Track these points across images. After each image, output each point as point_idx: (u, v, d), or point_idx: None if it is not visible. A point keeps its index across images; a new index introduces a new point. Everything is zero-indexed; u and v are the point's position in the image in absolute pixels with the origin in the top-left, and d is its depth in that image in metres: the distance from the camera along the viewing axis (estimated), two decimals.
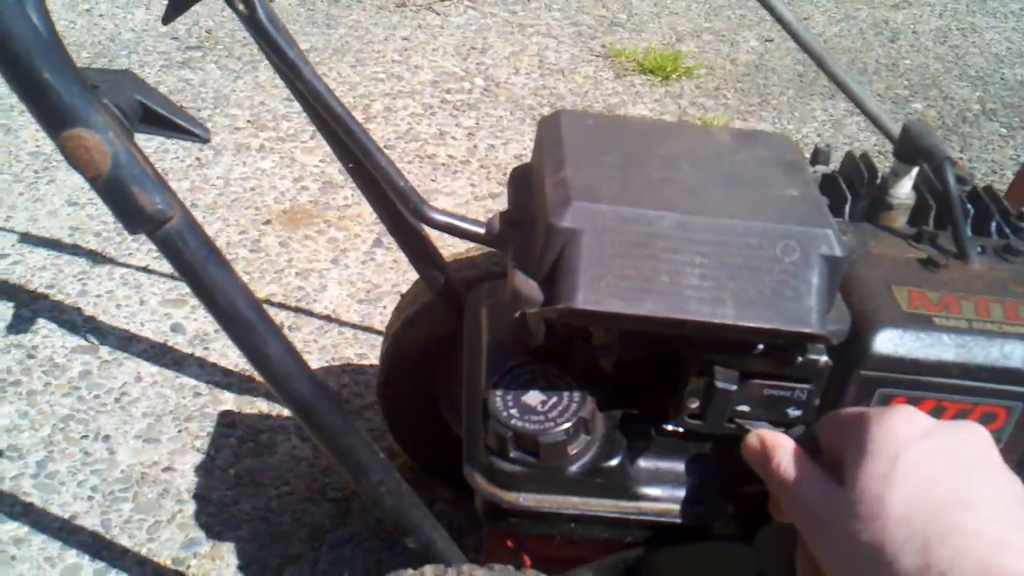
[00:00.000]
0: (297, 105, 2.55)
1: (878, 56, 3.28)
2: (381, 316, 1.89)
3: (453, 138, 2.52)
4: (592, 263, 0.73)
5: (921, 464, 0.65)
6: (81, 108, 0.65)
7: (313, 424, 0.83)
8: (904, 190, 0.95)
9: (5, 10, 0.61)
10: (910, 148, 0.92)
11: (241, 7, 0.89)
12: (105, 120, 0.66)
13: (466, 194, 2.29)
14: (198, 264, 0.73)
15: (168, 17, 0.89)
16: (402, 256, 2.00)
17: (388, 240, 2.07)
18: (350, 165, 1.07)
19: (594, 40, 3.17)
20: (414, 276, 1.93)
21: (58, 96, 0.64)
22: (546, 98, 2.76)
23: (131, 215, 0.69)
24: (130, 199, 0.68)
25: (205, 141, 0.78)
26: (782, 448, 0.77)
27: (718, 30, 3.36)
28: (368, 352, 1.80)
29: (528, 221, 0.83)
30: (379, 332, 1.84)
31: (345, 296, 1.94)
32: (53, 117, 0.65)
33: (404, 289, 1.89)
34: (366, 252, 2.06)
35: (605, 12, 3.39)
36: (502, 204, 2.22)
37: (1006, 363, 0.80)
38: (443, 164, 2.40)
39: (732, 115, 2.80)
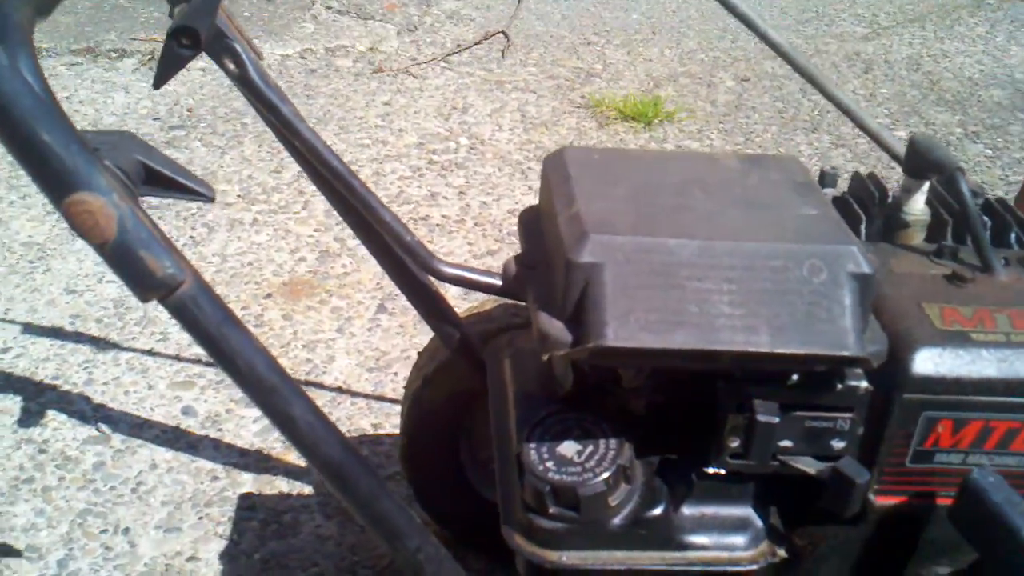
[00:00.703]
0: (286, 176, 2.56)
1: (855, 87, 3.31)
2: (392, 383, 1.86)
3: (444, 198, 2.52)
4: (617, 297, 0.72)
5: None
6: (83, 171, 0.63)
7: (345, 489, 0.81)
8: (918, 206, 0.94)
9: (0, 72, 0.60)
10: (919, 162, 0.92)
11: (232, 67, 0.88)
12: (108, 182, 0.64)
13: (464, 253, 2.28)
14: (214, 328, 0.71)
15: (159, 81, 0.89)
16: (408, 320, 2.01)
17: (391, 305, 2.06)
18: (352, 220, 1.06)
19: (573, 91, 3.19)
20: (422, 341, 1.94)
21: (59, 160, 0.62)
22: (532, 152, 2.77)
23: (142, 281, 0.67)
24: (139, 264, 0.66)
25: (211, 200, 0.76)
26: None
27: (694, 73, 3.38)
28: (383, 421, 1.77)
29: (544, 262, 0.82)
30: (392, 400, 1.82)
31: (354, 366, 1.92)
32: (55, 182, 0.63)
33: (413, 354, 1.88)
34: (371, 319, 2.04)
35: (580, 64, 3.41)
36: (500, 260, 2.22)
37: None
38: (438, 225, 2.40)
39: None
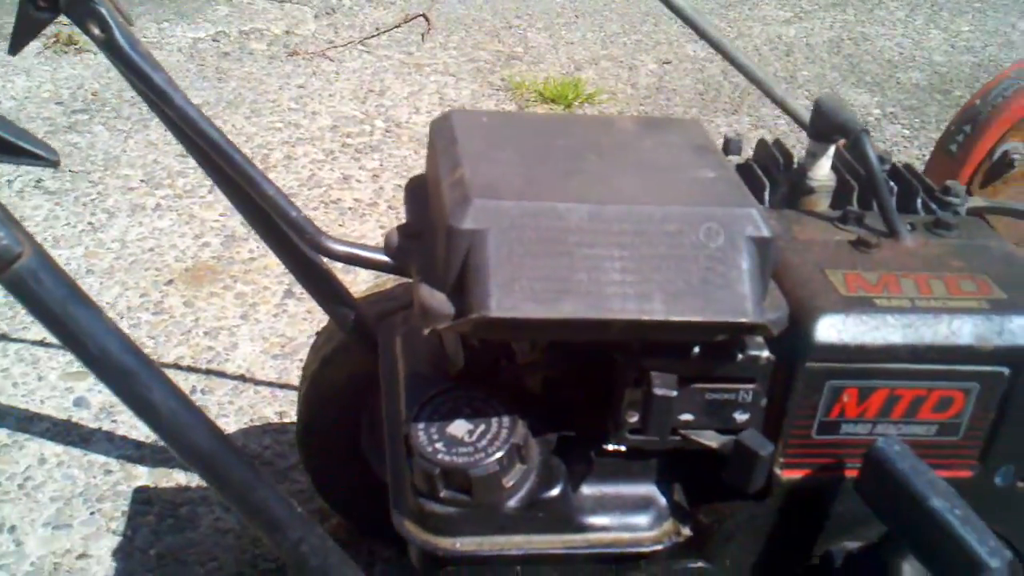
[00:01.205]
0: (192, 161, 2.46)
1: (776, 70, 3.31)
2: (298, 370, 1.79)
3: (358, 181, 2.45)
4: (502, 265, 0.66)
5: None
6: None
7: (217, 479, 0.75)
8: (823, 171, 0.91)
9: None
10: (824, 124, 0.88)
11: (96, 31, 0.82)
12: None
13: (375, 237, 2.21)
14: (57, 306, 0.65)
15: (15, 47, 0.82)
16: (315, 305, 1.93)
17: (299, 290, 1.99)
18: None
19: (493, 74, 3.14)
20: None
21: None
22: None
23: None
24: None
25: (54, 165, 0.70)
26: None
27: (615, 56, 3.35)
28: (288, 409, 1.71)
29: (429, 231, 0.77)
30: (297, 388, 1.75)
31: (259, 352, 1.84)
32: None
33: None
34: (277, 304, 1.97)
35: (501, 47, 3.36)
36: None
37: (956, 340, 0.76)
38: (349, 208, 2.33)
39: None
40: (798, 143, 2.73)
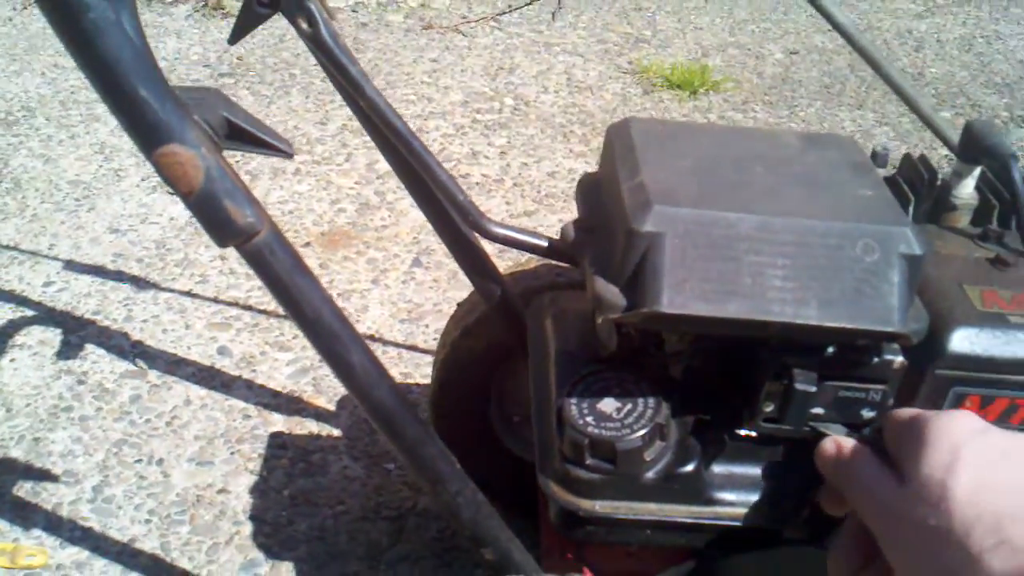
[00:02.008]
0: (331, 128, 2.59)
1: (904, 66, 3.28)
2: (423, 335, 1.89)
3: (486, 157, 2.53)
4: (675, 266, 0.73)
5: (982, 454, 0.66)
6: (175, 124, 0.65)
7: (393, 433, 0.84)
8: (967, 190, 0.95)
9: (104, 26, 0.62)
10: (973, 147, 0.92)
11: (304, 25, 0.89)
12: (198, 136, 0.67)
13: (501, 212, 2.29)
14: (285, 275, 0.74)
15: (235, 37, 0.90)
16: (442, 275, 2.04)
17: (427, 260, 2.08)
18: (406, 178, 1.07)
19: (620, 57, 3.18)
20: (455, 295, 1.96)
21: (153, 113, 0.64)
22: (575, 115, 2.77)
23: (222, 229, 0.70)
24: (222, 213, 0.69)
25: (289, 156, 0.78)
26: (855, 453, 0.76)
27: (743, 44, 3.37)
28: (413, 371, 1.80)
29: (602, 228, 0.84)
30: (422, 351, 1.85)
31: (387, 316, 1.94)
32: (148, 134, 0.65)
33: (445, 308, 1.91)
34: (405, 272, 2.07)
35: (630, 29, 3.40)
36: (537, 221, 2.24)
37: None
38: (477, 183, 2.41)
39: (762, 127, 2.80)
40: (920, 143, 2.73)
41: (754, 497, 0.89)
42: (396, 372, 1.80)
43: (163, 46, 2.97)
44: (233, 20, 0.92)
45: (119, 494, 1.51)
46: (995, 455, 0.66)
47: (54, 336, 1.83)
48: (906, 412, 0.75)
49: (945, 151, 2.63)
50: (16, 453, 1.58)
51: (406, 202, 2.26)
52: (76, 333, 1.84)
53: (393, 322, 1.93)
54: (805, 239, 0.74)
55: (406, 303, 1.99)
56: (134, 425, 1.64)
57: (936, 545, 0.64)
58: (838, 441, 0.78)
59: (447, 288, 2.02)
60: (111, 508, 1.49)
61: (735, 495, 0.88)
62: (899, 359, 0.81)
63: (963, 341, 0.80)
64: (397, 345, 1.87)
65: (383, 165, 2.40)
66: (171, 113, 0.65)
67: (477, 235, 1.09)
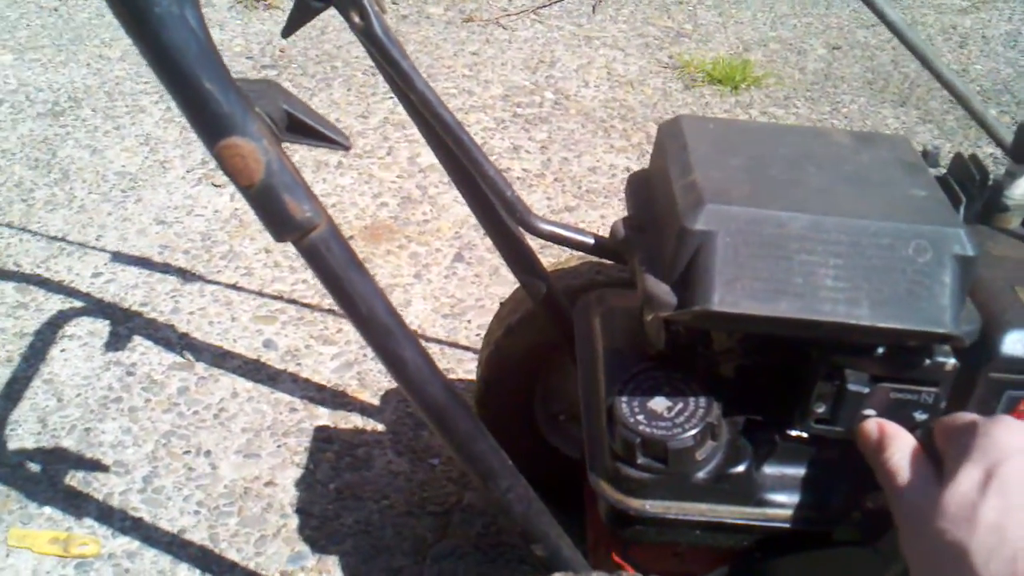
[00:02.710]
0: (373, 121, 2.59)
1: (948, 61, 3.25)
2: (466, 331, 1.90)
3: (527, 151, 2.53)
4: (726, 265, 0.74)
5: (1018, 476, 0.66)
6: (239, 117, 0.66)
7: (445, 429, 0.85)
8: (1020, 191, 0.94)
9: (169, 20, 0.63)
10: None
11: (357, 19, 0.90)
12: (260, 129, 0.68)
13: (542, 207, 2.30)
14: (341, 271, 0.75)
15: (288, 30, 0.92)
16: (484, 271, 2.05)
17: (469, 255, 2.09)
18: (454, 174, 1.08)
19: (661, 51, 3.17)
20: (497, 291, 1.97)
21: (218, 105, 0.65)
22: (616, 110, 2.77)
23: (280, 223, 0.71)
24: (281, 207, 0.70)
25: (347, 149, 0.79)
26: (898, 439, 0.77)
27: (785, 39, 3.34)
28: (456, 367, 1.81)
29: (653, 226, 0.84)
30: (464, 347, 1.86)
31: (430, 311, 1.96)
32: (212, 126, 0.66)
33: (487, 304, 1.91)
34: (448, 267, 2.08)
35: (671, 23, 3.39)
36: (578, 217, 2.24)
37: None
38: (518, 178, 2.42)
39: (804, 124, 2.78)
40: (965, 140, 2.70)
41: (805, 499, 0.89)
42: (439, 367, 1.81)
43: None
44: (275, 11, 0.93)
45: (168, 485, 1.54)
46: None
47: (103, 327, 1.86)
48: (955, 415, 0.75)
49: (991, 149, 2.60)
50: (68, 443, 1.61)
51: (448, 196, 2.27)
52: (124, 324, 1.87)
53: (436, 317, 1.94)
54: (857, 239, 0.74)
55: (448, 298, 2.00)
56: (182, 417, 1.67)
57: (952, 562, 0.65)
58: (881, 424, 0.79)
59: (489, 283, 2.03)
60: (161, 499, 1.51)
61: (785, 496, 0.89)
62: (951, 361, 0.80)
63: (1016, 344, 0.80)
64: (439, 341, 1.89)
65: (425, 159, 2.41)
66: (234, 105, 0.66)
67: (523, 232, 1.10)
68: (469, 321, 1.93)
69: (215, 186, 2.31)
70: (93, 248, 2.09)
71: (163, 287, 1.98)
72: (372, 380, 1.76)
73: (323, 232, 0.72)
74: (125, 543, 1.43)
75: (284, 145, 0.73)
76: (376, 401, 1.72)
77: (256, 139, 0.67)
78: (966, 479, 0.67)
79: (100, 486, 1.53)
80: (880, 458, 0.76)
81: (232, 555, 1.43)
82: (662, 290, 0.76)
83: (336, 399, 1.72)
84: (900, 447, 0.76)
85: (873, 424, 0.79)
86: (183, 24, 0.62)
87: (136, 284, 1.99)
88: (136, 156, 2.43)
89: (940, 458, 0.74)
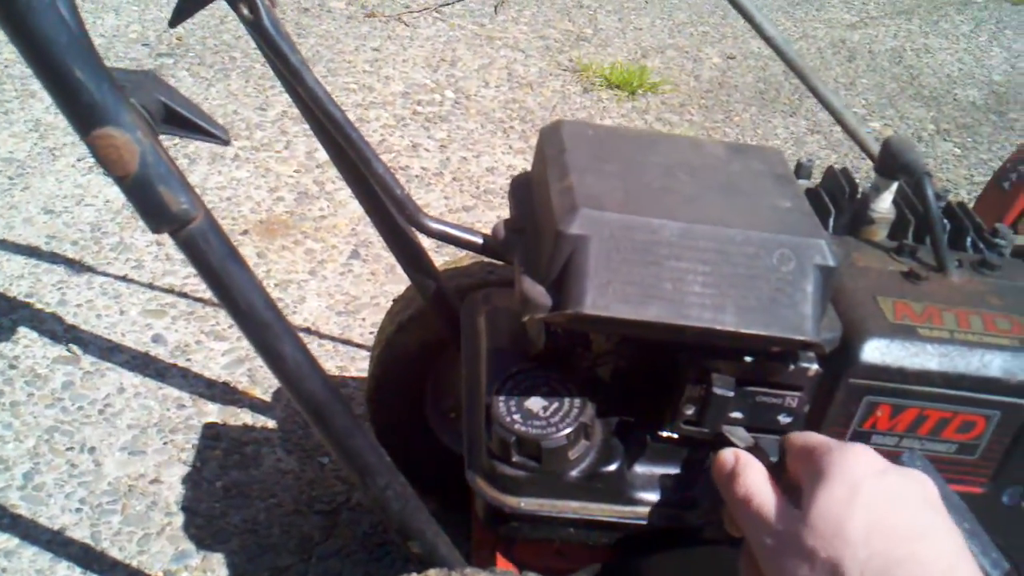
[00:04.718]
0: (271, 114, 2.58)
1: (836, 75, 3.36)
2: (360, 328, 1.90)
3: (426, 150, 2.54)
4: (599, 269, 0.76)
5: (879, 496, 0.71)
6: (111, 107, 0.66)
7: (323, 424, 0.85)
8: (884, 204, 0.99)
9: (37, 7, 0.62)
10: (891, 163, 0.96)
11: (246, 12, 0.90)
12: (133, 119, 0.67)
13: (440, 206, 2.31)
14: (218, 264, 0.75)
15: (175, 20, 0.91)
16: (380, 268, 2.05)
17: (365, 252, 2.09)
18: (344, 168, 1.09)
19: (561, 54, 3.21)
20: (392, 288, 1.98)
21: (89, 95, 0.65)
22: (515, 111, 2.80)
23: (156, 215, 0.71)
24: (156, 198, 0.70)
25: (226, 143, 0.79)
26: (751, 467, 0.80)
27: (682, 46, 3.42)
28: (348, 364, 1.82)
29: (532, 228, 0.86)
30: (359, 345, 1.86)
31: (324, 308, 1.95)
32: (84, 116, 0.66)
33: (382, 301, 1.92)
34: (343, 264, 2.08)
35: (571, 27, 3.43)
36: (475, 217, 2.26)
37: (986, 372, 0.85)
38: (416, 176, 2.43)
39: (697, 131, 2.85)
40: (850, 152, 2.80)
41: (674, 497, 0.92)
42: (332, 365, 1.81)
43: (101, 23, 2.93)
44: None
45: (50, 482, 1.51)
46: (890, 497, 0.70)
47: None
48: (807, 437, 0.79)
49: (872, 162, 2.70)
50: None
51: (345, 193, 2.27)
52: (8, 316, 1.83)
53: (330, 314, 1.94)
54: (724, 247, 0.77)
55: (343, 295, 2.00)
56: (66, 412, 1.63)
57: None
58: (738, 455, 0.81)
59: (385, 281, 2.04)
60: (41, 496, 1.48)
61: (656, 495, 0.91)
62: (814, 367, 0.84)
63: (875, 351, 0.84)
64: (333, 338, 1.89)
65: (323, 154, 2.39)
66: (107, 95, 0.66)
67: (414, 230, 1.11)
68: (363, 319, 1.94)
69: (106, 176, 2.26)
70: None
71: (49, 278, 1.94)
72: (263, 377, 1.75)
73: (200, 224, 0.72)
74: (3, 541, 1.40)
75: (164, 139, 0.73)
76: (267, 398, 1.71)
77: (130, 129, 0.67)
78: (831, 497, 0.71)
79: None
80: (733, 485, 0.78)
81: (114, 553, 1.41)
82: (538, 292, 0.78)
83: (226, 396, 1.71)
84: (752, 473, 0.79)
85: (729, 454, 0.82)
86: (52, 12, 0.62)
87: (21, 275, 1.94)
88: (24, 142, 2.37)
89: (792, 483, 0.77)
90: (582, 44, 3.31)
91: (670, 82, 3.12)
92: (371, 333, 1.86)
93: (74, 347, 1.77)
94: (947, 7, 4.11)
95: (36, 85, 2.57)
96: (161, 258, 2.02)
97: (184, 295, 1.93)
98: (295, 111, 2.55)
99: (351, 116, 2.62)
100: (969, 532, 0.76)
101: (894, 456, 0.85)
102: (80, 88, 0.65)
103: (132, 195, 0.70)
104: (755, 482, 0.77)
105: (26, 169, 2.27)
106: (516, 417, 0.87)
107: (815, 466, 0.74)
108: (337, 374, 1.79)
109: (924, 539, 0.68)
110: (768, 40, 1.14)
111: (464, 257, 1.31)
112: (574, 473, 0.89)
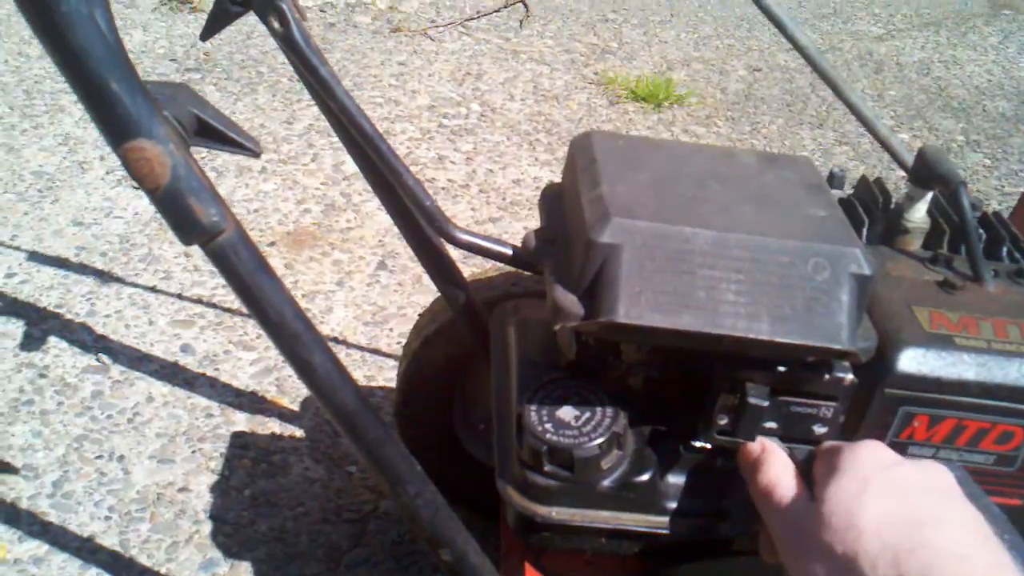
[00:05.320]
0: (298, 127, 2.59)
1: (864, 87, 3.35)
2: (387, 338, 1.91)
3: (452, 162, 2.55)
4: (632, 278, 0.76)
5: (890, 487, 0.71)
6: (145, 120, 0.66)
7: (355, 434, 0.85)
8: (919, 214, 0.98)
9: (77, 20, 0.63)
10: (925, 173, 0.96)
11: (276, 25, 0.91)
12: (166, 132, 0.68)
13: (466, 218, 2.32)
14: (248, 276, 0.75)
15: (206, 34, 0.92)
16: (407, 279, 2.06)
17: (392, 263, 2.10)
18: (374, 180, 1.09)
19: (587, 67, 3.21)
20: (419, 299, 1.98)
21: (124, 107, 0.65)
22: (541, 124, 2.80)
23: (186, 227, 0.71)
24: (187, 211, 0.70)
25: (257, 155, 0.79)
26: (776, 459, 0.80)
27: (707, 59, 3.41)
28: (376, 374, 1.82)
29: (563, 238, 0.86)
30: (386, 354, 1.86)
31: (351, 318, 1.96)
32: (118, 128, 0.66)
33: (409, 312, 1.92)
34: (371, 275, 2.08)
35: (596, 40, 3.44)
36: (502, 228, 2.26)
37: (1023, 382, 0.83)
38: (443, 188, 2.43)
39: (724, 143, 2.84)
40: (878, 164, 2.79)
41: (706, 508, 0.91)
42: (360, 375, 1.82)
43: (129, 39, 2.96)
44: (200, 14, 0.93)
45: (79, 490, 1.52)
46: (902, 488, 0.71)
47: (15, 328, 1.83)
48: (832, 443, 0.79)
49: (903, 172, 2.68)
50: None
51: (372, 204, 2.28)
52: (38, 326, 1.84)
53: (357, 324, 1.95)
54: (758, 256, 0.77)
55: (371, 305, 2.00)
56: (95, 421, 1.64)
57: (842, 570, 0.68)
58: (764, 443, 0.82)
59: (412, 292, 2.04)
60: (71, 504, 1.49)
61: (689, 505, 0.91)
62: (849, 376, 0.83)
63: (910, 361, 0.83)
64: (361, 348, 1.89)
65: (349, 166, 2.42)
66: (141, 108, 0.66)
67: (443, 241, 1.11)
68: (391, 329, 1.94)
69: (135, 188, 2.28)
70: (8, 248, 2.05)
71: (79, 289, 1.95)
72: (291, 386, 1.75)
73: (230, 236, 0.72)
74: (32, 548, 1.41)
75: (194, 150, 0.73)
76: (295, 407, 1.72)
77: (162, 142, 0.67)
78: (843, 492, 0.71)
79: (8, 490, 1.50)
80: (756, 475, 0.79)
81: (143, 561, 1.41)
82: (570, 301, 0.78)
83: (254, 405, 1.72)
84: (776, 464, 0.79)
85: (757, 444, 0.82)
86: (90, 24, 0.62)
87: (52, 286, 1.95)
88: (54, 156, 2.39)
89: (815, 482, 0.77)
90: (607, 57, 3.31)
91: (696, 94, 3.12)
92: (399, 343, 1.86)
93: (104, 357, 1.78)
94: (975, 19, 4.09)
95: (66, 100, 2.60)
96: (189, 269, 2.03)
97: (212, 305, 1.94)
98: (322, 124, 2.57)
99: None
100: (1009, 544, 0.75)
101: None
102: (115, 100, 0.65)
103: (163, 207, 0.70)
104: (779, 474, 0.78)
105: (56, 182, 2.29)
106: (548, 426, 0.87)
107: (830, 464, 0.75)
108: (365, 383, 1.79)
109: (936, 526, 0.68)
110: (801, 50, 1.14)
111: (489, 269, 1.31)
112: (606, 483, 0.88)
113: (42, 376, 1.72)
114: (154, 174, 0.68)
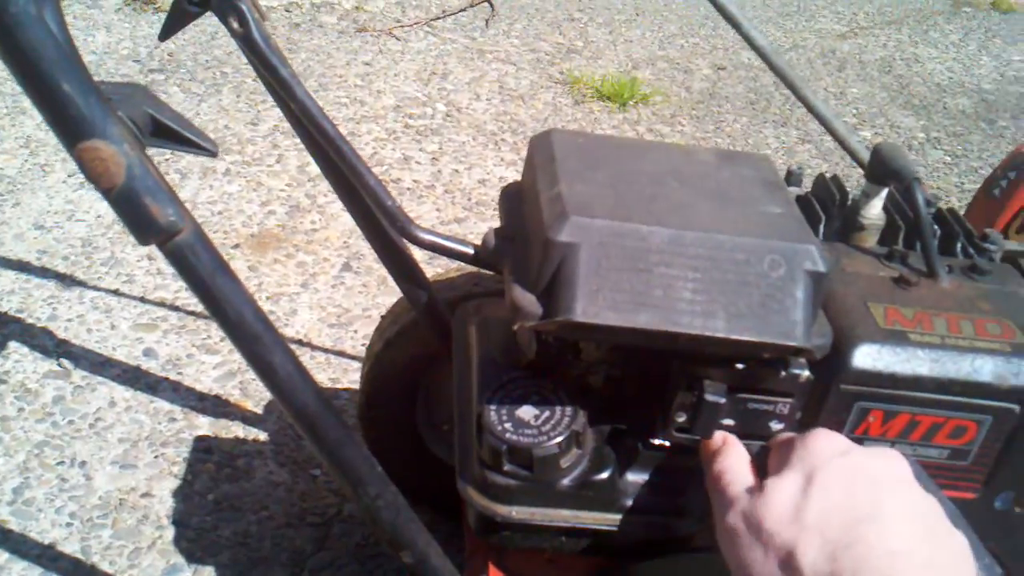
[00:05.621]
0: (262, 129, 2.58)
1: (827, 85, 3.37)
2: (352, 340, 1.90)
3: (417, 163, 2.54)
4: (589, 277, 0.76)
5: (836, 479, 0.71)
6: (99, 120, 0.66)
7: (315, 435, 0.85)
8: (875, 211, 0.99)
9: (26, 21, 0.62)
10: (881, 169, 0.96)
11: (235, 26, 0.90)
12: (121, 132, 0.67)
13: (432, 218, 2.31)
14: (207, 276, 0.74)
15: (165, 34, 0.91)
16: (372, 280, 2.05)
17: (357, 264, 2.09)
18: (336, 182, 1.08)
19: (552, 67, 3.22)
20: (384, 300, 1.98)
21: (76, 107, 0.65)
22: (507, 123, 2.80)
23: (143, 227, 0.70)
24: (143, 211, 0.69)
25: (213, 155, 0.79)
26: (733, 450, 0.81)
27: (672, 58, 3.43)
28: (341, 376, 1.81)
29: (522, 237, 0.86)
30: (351, 356, 1.86)
31: (316, 320, 1.95)
32: (71, 128, 0.66)
33: (374, 313, 1.92)
34: (335, 276, 2.08)
35: (562, 39, 3.44)
36: (467, 228, 2.26)
37: (977, 377, 0.84)
38: (408, 189, 2.43)
39: (688, 142, 2.86)
40: (841, 161, 2.81)
41: (666, 506, 0.92)
42: (324, 377, 1.81)
43: (92, 40, 2.93)
44: (164, 15, 0.92)
45: (40, 496, 1.50)
46: (849, 479, 0.71)
47: None
48: (785, 435, 0.80)
49: (862, 170, 2.70)
50: None
51: (336, 206, 2.27)
52: None
53: (322, 327, 1.94)
54: (714, 253, 0.77)
55: (335, 307, 1.99)
56: (56, 426, 1.63)
57: (781, 562, 0.69)
58: (726, 437, 0.83)
59: (376, 293, 2.03)
60: (31, 511, 1.47)
61: (647, 503, 0.91)
62: (805, 373, 0.84)
63: (865, 357, 0.84)
64: (326, 350, 1.88)
65: (314, 168, 2.39)
66: (94, 108, 0.65)
67: (405, 241, 1.11)
68: (356, 331, 1.93)
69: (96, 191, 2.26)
70: None
71: (40, 293, 1.93)
72: (255, 390, 1.74)
73: (188, 236, 0.72)
74: None
75: (156, 153, 0.73)
76: (259, 411, 1.71)
77: (117, 142, 0.66)
78: (790, 484, 0.72)
79: None
80: (713, 464, 0.80)
81: (105, 567, 1.40)
82: (528, 300, 0.78)
83: (217, 409, 1.71)
84: (732, 455, 0.80)
85: (719, 436, 0.83)
86: (40, 25, 0.62)
87: (12, 290, 1.93)
88: (15, 159, 2.37)
89: (767, 472, 0.78)
90: (573, 56, 3.32)
91: (661, 93, 3.13)
92: (363, 345, 1.86)
93: (65, 361, 1.76)
94: (936, 16, 4.13)
95: (27, 103, 2.57)
96: (152, 272, 2.01)
97: (175, 309, 1.92)
98: (286, 126, 2.55)
99: (343, 130, 2.62)
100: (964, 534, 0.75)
101: None
102: (67, 101, 0.64)
103: (119, 207, 0.69)
104: (732, 464, 0.79)
105: (17, 185, 2.26)
106: (507, 426, 0.87)
107: (782, 456, 0.75)
108: (330, 386, 1.78)
109: (876, 521, 0.68)
110: (758, 50, 1.15)
111: (452, 270, 1.31)
112: (566, 481, 0.88)
113: (2, 381, 1.70)
114: (109, 174, 0.67)
